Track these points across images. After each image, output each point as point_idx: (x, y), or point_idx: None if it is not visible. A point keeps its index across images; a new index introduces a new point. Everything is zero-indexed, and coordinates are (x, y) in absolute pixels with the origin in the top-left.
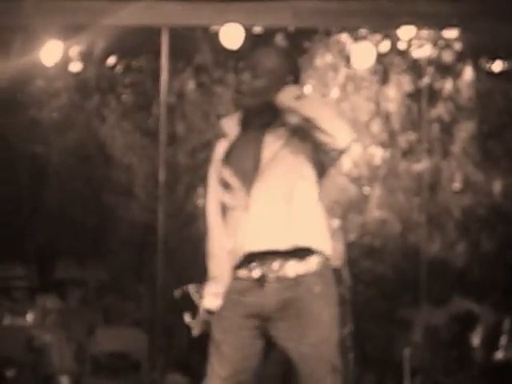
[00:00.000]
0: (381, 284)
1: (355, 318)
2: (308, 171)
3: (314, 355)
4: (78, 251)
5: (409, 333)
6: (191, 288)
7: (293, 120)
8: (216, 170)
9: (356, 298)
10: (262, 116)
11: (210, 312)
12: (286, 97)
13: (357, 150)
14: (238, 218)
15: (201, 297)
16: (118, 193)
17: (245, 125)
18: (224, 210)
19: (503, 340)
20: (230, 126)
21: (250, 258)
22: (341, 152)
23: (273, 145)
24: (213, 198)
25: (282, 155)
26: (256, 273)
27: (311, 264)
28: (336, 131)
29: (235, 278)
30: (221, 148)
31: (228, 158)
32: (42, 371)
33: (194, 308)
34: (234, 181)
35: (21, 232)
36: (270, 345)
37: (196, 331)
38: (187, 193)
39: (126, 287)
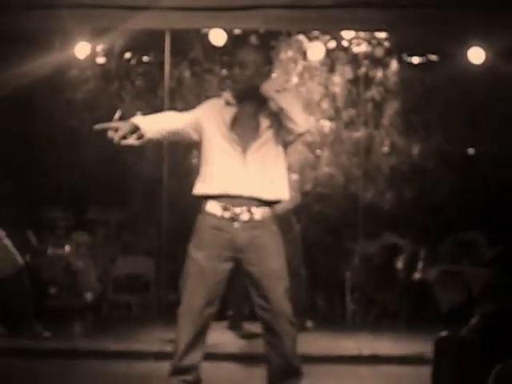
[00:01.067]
0: (328, 222)
1: (309, 248)
2: (281, 143)
3: (276, 276)
4: (103, 198)
5: (349, 260)
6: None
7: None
8: (221, 130)
9: (310, 234)
10: (253, 96)
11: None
12: (268, 87)
13: (311, 122)
14: (230, 166)
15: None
16: (133, 154)
17: (239, 100)
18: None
19: (420, 265)
20: (229, 98)
21: (226, 199)
22: (300, 135)
23: (266, 118)
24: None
25: (273, 127)
26: (228, 213)
27: (268, 211)
28: (299, 121)
29: (208, 214)
30: (227, 114)
31: (233, 123)
32: (75, 289)
33: None
34: (235, 139)
35: (61, 184)
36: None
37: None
38: (185, 153)
39: (139, 226)
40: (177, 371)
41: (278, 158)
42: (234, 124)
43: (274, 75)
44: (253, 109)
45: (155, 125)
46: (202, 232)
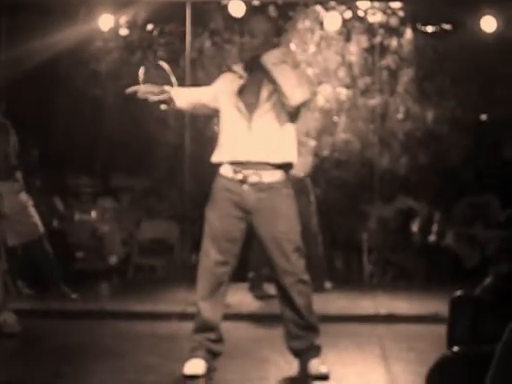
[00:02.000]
0: (346, 187)
1: (327, 212)
2: (285, 110)
3: (284, 238)
4: (128, 166)
5: (366, 222)
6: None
7: None
8: (231, 99)
9: (328, 198)
10: (258, 65)
11: None
12: (267, 59)
13: (328, 90)
14: (238, 133)
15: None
16: (156, 122)
17: (248, 70)
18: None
19: (434, 228)
20: (239, 69)
21: (238, 164)
22: (293, 107)
23: (268, 87)
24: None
25: (274, 96)
26: (239, 175)
27: (280, 175)
28: (290, 94)
29: (221, 176)
30: (235, 84)
31: (240, 93)
32: (101, 253)
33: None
34: (242, 107)
35: (87, 152)
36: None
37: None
38: (206, 121)
39: (162, 191)
40: (199, 329)
41: (282, 123)
42: (241, 93)
43: (287, 47)
44: (258, 77)
45: (186, 96)
46: (215, 193)
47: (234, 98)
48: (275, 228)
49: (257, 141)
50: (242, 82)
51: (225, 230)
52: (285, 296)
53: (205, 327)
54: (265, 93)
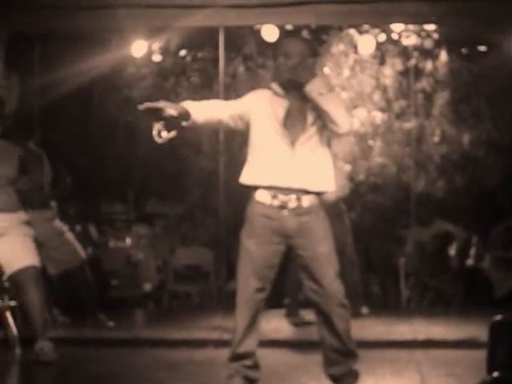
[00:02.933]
0: (382, 211)
1: (364, 236)
2: (326, 136)
3: (325, 260)
4: (162, 192)
5: (403, 246)
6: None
7: None
8: (271, 121)
9: (364, 222)
10: (297, 87)
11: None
12: (312, 89)
13: (363, 113)
14: (279, 158)
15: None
16: (190, 148)
17: (286, 90)
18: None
19: (472, 251)
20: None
21: (275, 189)
22: (341, 135)
23: (311, 114)
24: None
25: (318, 123)
26: (277, 201)
27: (316, 199)
28: (341, 123)
29: (258, 203)
30: (278, 106)
31: (284, 120)
32: (136, 280)
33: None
34: (285, 132)
35: (120, 178)
36: (286, 257)
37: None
38: (240, 147)
39: (197, 218)
40: (236, 357)
41: (324, 150)
42: (285, 117)
43: (321, 71)
44: (300, 102)
45: (202, 111)
46: (252, 220)
47: (276, 121)
48: (317, 250)
49: (300, 168)
50: (285, 105)
51: (264, 256)
52: (325, 321)
53: (243, 356)
54: (310, 117)
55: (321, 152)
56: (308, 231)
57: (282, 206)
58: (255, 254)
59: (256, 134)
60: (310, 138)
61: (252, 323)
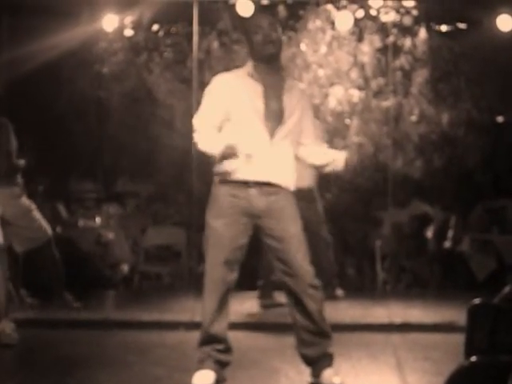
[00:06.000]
0: (358, 192)
1: (340, 217)
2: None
3: (294, 239)
4: (133, 170)
5: (379, 228)
6: None
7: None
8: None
9: (340, 203)
10: (275, 66)
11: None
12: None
13: (339, 91)
14: (259, 152)
15: None
16: (162, 126)
17: (262, 73)
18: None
19: (449, 233)
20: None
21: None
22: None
23: (290, 100)
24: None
25: (296, 112)
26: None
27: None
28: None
29: (226, 182)
30: (253, 87)
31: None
32: (106, 260)
33: None
34: (266, 123)
35: (91, 156)
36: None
37: None
38: None
39: (169, 197)
40: (206, 341)
41: (293, 146)
42: (264, 104)
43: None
44: (276, 81)
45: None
46: (218, 200)
47: (256, 114)
48: (287, 230)
49: (277, 161)
50: (259, 87)
51: (232, 237)
52: (296, 302)
53: (213, 339)
54: (288, 109)
55: (292, 148)
56: (277, 212)
57: (249, 185)
58: (223, 234)
59: (235, 124)
60: (287, 130)
61: (221, 306)
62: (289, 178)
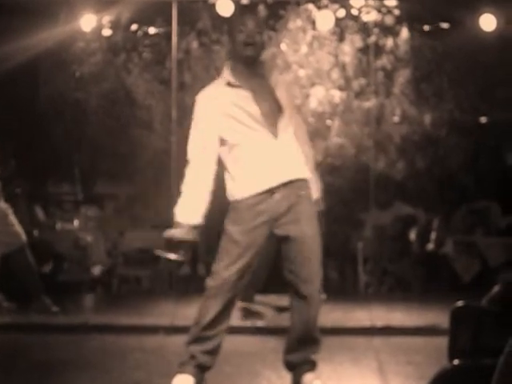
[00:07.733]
0: (340, 193)
1: (322, 219)
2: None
3: (311, 241)
4: (112, 172)
5: (361, 230)
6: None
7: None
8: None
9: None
10: (258, 67)
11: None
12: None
13: (320, 92)
14: (266, 159)
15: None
16: (141, 127)
17: (242, 77)
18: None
19: (433, 235)
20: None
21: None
22: None
23: (280, 95)
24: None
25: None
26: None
27: (301, 182)
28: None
29: (248, 198)
30: (242, 97)
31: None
32: (85, 264)
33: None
34: (265, 125)
35: (68, 158)
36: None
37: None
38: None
39: (148, 199)
40: (198, 340)
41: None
42: (258, 107)
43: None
44: (260, 81)
45: (206, 197)
46: (240, 211)
47: (254, 120)
48: (304, 230)
49: (285, 160)
50: (245, 93)
51: (248, 244)
52: (300, 304)
53: (205, 338)
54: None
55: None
56: (296, 213)
57: (272, 191)
58: (239, 240)
59: (234, 140)
60: (285, 126)
61: (225, 309)
62: (303, 167)
